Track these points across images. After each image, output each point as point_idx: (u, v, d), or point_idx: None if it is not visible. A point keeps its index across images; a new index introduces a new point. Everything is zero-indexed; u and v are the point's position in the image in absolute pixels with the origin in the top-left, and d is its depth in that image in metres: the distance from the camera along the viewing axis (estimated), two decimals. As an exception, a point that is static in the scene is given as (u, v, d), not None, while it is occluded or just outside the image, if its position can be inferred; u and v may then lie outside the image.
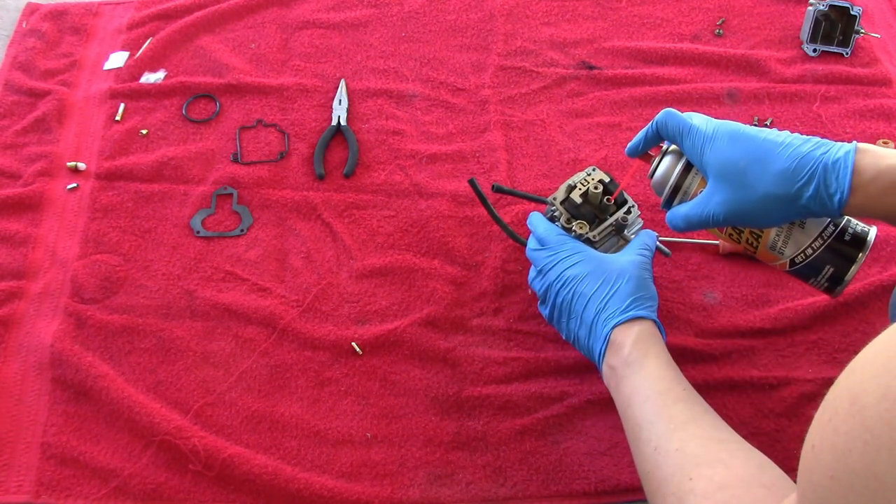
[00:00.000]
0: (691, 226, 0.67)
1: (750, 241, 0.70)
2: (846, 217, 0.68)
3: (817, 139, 0.61)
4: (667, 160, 0.71)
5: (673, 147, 0.71)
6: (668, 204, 0.71)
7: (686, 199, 0.69)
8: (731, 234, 0.71)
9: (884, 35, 1.06)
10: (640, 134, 0.71)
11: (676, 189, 0.70)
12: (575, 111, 1.00)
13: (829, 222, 0.67)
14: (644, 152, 0.72)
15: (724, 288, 0.84)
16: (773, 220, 0.65)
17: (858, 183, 0.58)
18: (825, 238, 0.67)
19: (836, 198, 0.59)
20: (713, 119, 0.67)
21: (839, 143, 0.60)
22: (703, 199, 0.66)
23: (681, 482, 0.55)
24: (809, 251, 0.68)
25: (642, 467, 0.60)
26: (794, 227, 0.68)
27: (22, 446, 0.76)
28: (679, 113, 0.68)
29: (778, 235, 0.68)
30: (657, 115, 0.69)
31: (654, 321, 0.67)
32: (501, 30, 1.08)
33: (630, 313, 0.66)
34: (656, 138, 0.70)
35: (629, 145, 0.72)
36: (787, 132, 0.63)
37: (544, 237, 0.74)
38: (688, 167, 0.69)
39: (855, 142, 0.60)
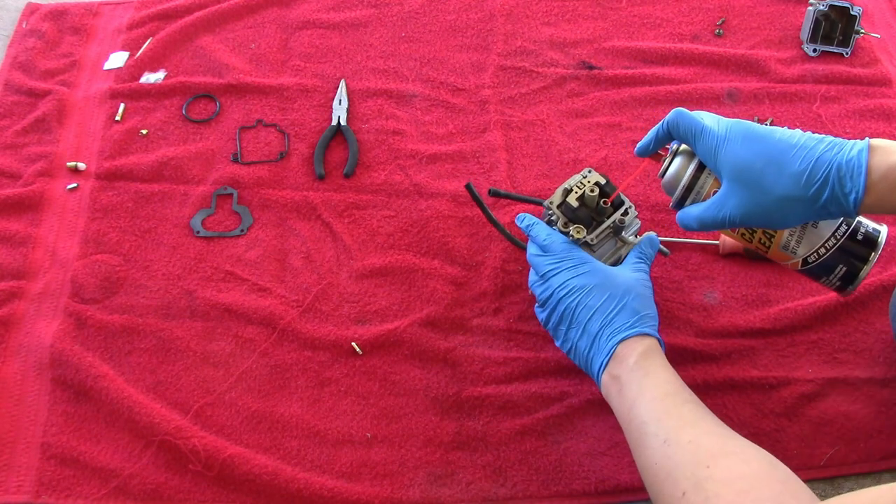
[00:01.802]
0: (705, 227, 0.67)
1: (763, 241, 0.70)
2: (858, 217, 0.68)
3: (830, 138, 0.61)
4: (678, 160, 0.70)
5: (683, 146, 0.70)
6: (680, 204, 0.70)
7: (699, 200, 0.69)
8: (743, 234, 0.71)
9: (884, 35, 1.06)
10: (651, 134, 0.70)
11: (689, 189, 0.69)
12: (575, 111, 1.00)
13: (842, 222, 0.67)
14: (654, 152, 0.71)
15: (724, 288, 0.84)
16: (791, 222, 0.64)
17: (870, 181, 0.58)
18: (838, 238, 0.67)
19: (852, 197, 0.59)
20: (724, 118, 0.66)
21: (851, 142, 0.60)
22: (719, 202, 0.65)
23: (696, 469, 0.55)
24: (823, 251, 0.68)
25: (648, 461, 0.59)
26: (807, 227, 0.68)
27: (22, 446, 0.76)
28: (690, 113, 0.67)
29: (791, 235, 0.68)
30: (668, 115, 0.68)
31: (657, 339, 0.67)
32: (501, 30, 1.08)
33: (636, 329, 0.66)
34: (667, 138, 0.69)
35: (639, 145, 0.71)
36: (799, 131, 0.63)
37: (548, 244, 0.73)
38: (700, 167, 0.68)
39: (868, 139, 0.60)
